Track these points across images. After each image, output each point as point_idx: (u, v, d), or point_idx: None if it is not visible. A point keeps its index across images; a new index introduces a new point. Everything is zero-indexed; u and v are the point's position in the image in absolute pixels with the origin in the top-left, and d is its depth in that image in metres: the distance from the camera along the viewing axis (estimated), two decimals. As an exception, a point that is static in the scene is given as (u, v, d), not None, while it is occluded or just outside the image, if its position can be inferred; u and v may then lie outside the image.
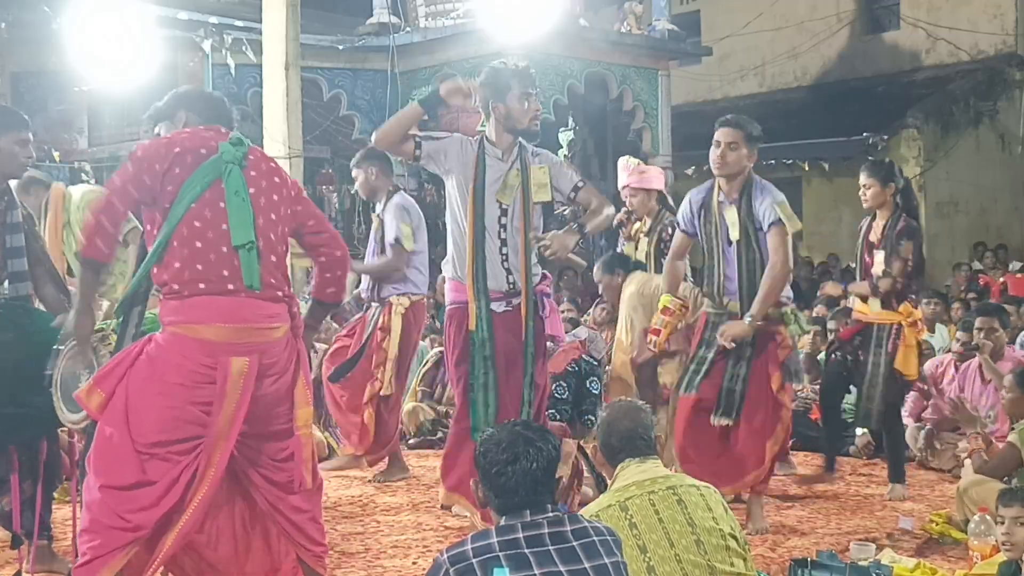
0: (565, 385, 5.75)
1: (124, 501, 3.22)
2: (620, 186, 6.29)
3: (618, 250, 6.27)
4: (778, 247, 4.67)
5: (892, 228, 5.56)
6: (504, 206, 4.52)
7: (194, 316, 3.26)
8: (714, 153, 4.80)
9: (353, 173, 6.13)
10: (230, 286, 3.28)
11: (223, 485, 3.39)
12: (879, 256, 5.58)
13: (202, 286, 3.26)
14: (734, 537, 3.14)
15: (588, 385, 5.82)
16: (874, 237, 5.65)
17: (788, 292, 4.94)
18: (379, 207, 6.03)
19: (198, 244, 3.27)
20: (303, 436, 3.47)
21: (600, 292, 6.40)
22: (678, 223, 5.14)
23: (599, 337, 6.33)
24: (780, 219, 4.67)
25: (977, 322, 6.42)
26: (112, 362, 3.35)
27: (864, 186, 5.61)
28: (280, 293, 3.39)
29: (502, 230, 4.54)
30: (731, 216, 4.79)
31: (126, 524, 3.21)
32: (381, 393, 5.90)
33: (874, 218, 5.70)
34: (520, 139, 4.62)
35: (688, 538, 3.05)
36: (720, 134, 4.79)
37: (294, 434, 3.45)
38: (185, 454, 3.26)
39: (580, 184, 4.64)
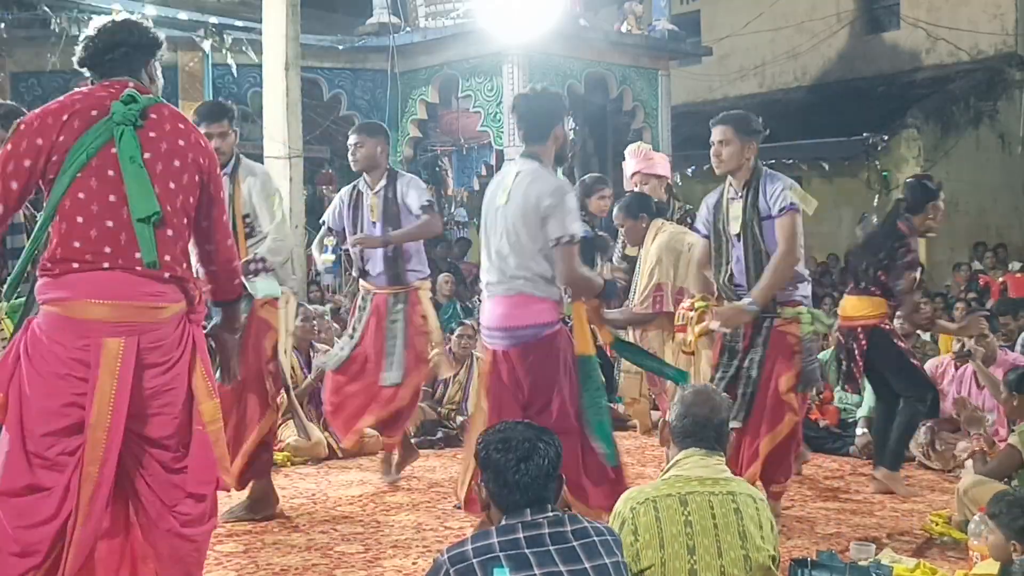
0: None
1: (19, 513, 2.90)
2: (629, 173, 6.26)
3: (619, 240, 6.20)
4: (787, 234, 4.64)
5: None
6: None
7: (63, 294, 2.95)
8: (711, 153, 4.82)
9: (357, 139, 5.78)
10: (106, 264, 2.95)
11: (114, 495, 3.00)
12: None
13: (75, 265, 2.94)
14: (774, 560, 3.05)
15: None
16: None
17: (805, 291, 4.84)
18: (376, 184, 5.78)
19: (79, 219, 2.95)
20: (212, 432, 3.09)
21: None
22: (697, 229, 5.05)
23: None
24: (792, 204, 4.65)
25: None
26: (3, 357, 3.05)
27: None
28: (170, 273, 3.03)
29: None
30: (734, 210, 4.79)
31: (23, 548, 2.89)
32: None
33: None
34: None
35: (737, 551, 2.96)
36: (713, 133, 4.81)
37: (192, 437, 3.05)
38: (71, 455, 2.93)
39: None
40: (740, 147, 4.74)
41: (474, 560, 2.52)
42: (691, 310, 4.87)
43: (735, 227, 4.78)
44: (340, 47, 11.40)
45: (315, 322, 7.30)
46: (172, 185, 3.05)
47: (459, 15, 11.34)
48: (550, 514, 2.62)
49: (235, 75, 10.74)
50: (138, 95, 3.05)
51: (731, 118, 4.80)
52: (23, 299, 3.22)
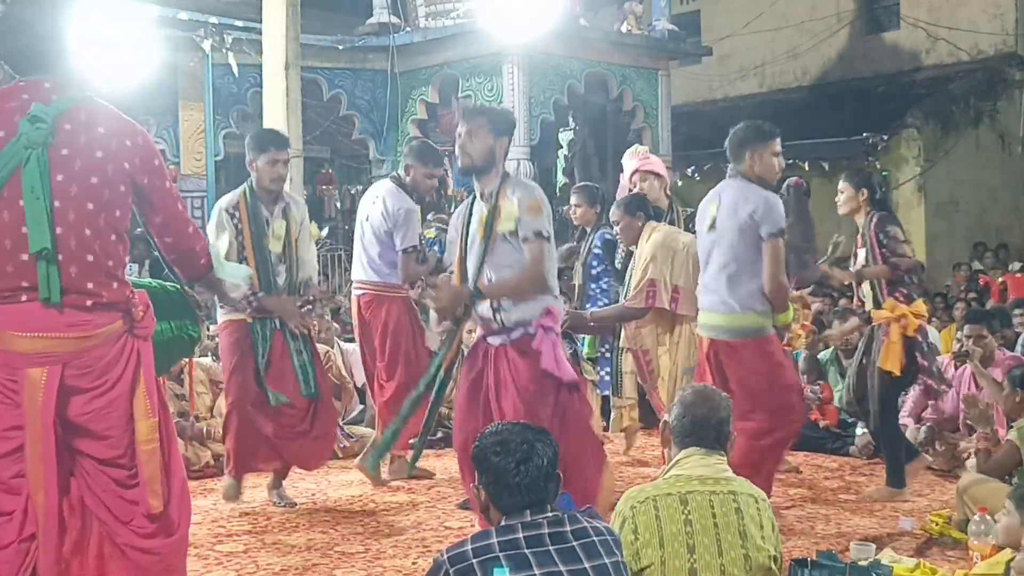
0: None
1: None
2: (628, 173, 6.31)
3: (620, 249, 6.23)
4: None
5: (868, 226, 5.61)
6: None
7: None
8: (782, 162, 4.86)
9: (439, 171, 6.07)
10: (24, 297, 2.83)
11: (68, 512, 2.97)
12: (860, 254, 5.64)
13: None
14: (775, 560, 3.05)
15: None
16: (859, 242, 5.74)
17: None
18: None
19: None
20: (145, 453, 2.97)
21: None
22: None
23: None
24: None
25: (965, 329, 6.47)
26: None
27: (840, 191, 5.72)
28: (94, 301, 2.88)
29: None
30: None
31: None
32: None
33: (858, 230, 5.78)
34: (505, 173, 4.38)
35: (737, 550, 2.96)
36: (778, 143, 4.85)
37: (135, 454, 2.98)
38: (24, 477, 2.89)
39: (531, 235, 4.18)
40: None
41: (474, 560, 2.53)
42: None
43: None
44: (340, 47, 11.39)
45: (315, 322, 7.30)
46: (91, 206, 2.86)
47: (459, 15, 11.33)
48: (549, 514, 2.62)
49: (235, 75, 10.73)
50: (43, 113, 2.81)
51: None
52: None
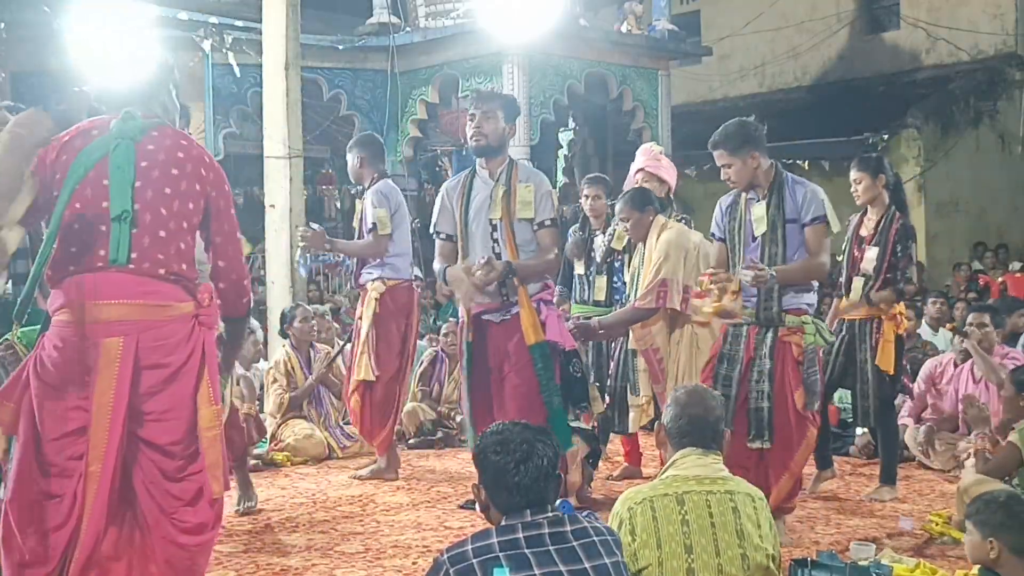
0: None
1: (31, 519, 2.96)
2: (634, 169, 6.24)
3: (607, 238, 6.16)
4: (820, 241, 4.54)
5: (887, 226, 5.56)
6: (494, 221, 4.78)
7: (65, 299, 3.02)
8: (723, 178, 4.75)
9: (348, 156, 6.31)
10: (100, 264, 3.02)
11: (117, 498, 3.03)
12: (870, 252, 5.59)
13: (72, 268, 3.03)
14: (773, 559, 3.04)
15: (571, 370, 5.01)
16: (865, 232, 5.67)
17: (810, 300, 4.68)
18: (364, 193, 6.20)
19: (75, 226, 3.04)
20: (207, 439, 3.08)
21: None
22: (713, 233, 4.89)
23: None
24: (825, 215, 4.55)
25: (969, 317, 6.54)
26: (17, 370, 3.14)
27: (855, 181, 5.66)
28: (166, 271, 3.07)
29: (494, 244, 4.76)
30: (758, 212, 4.64)
31: (34, 556, 2.94)
32: (360, 377, 5.98)
33: (864, 213, 5.73)
34: (509, 157, 4.91)
35: (735, 550, 2.96)
36: (715, 158, 4.69)
37: (195, 446, 3.07)
38: (78, 459, 2.98)
39: (547, 222, 4.78)
40: (740, 163, 4.61)
41: (474, 560, 2.53)
42: (711, 281, 4.59)
43: (759, 228, 4.63)
44: (340, 47, 11.38)
45: (314, 322, 7.29)
46: (168, 190, 3.12)
47: (459, 15, 11.32)
48: (550, 514, 2.62)
49: (235, 75, 10.72)
50: (136, 114, 3.18)
51: (722, 139, 4.66)
52: (37, 327, 3.26)
